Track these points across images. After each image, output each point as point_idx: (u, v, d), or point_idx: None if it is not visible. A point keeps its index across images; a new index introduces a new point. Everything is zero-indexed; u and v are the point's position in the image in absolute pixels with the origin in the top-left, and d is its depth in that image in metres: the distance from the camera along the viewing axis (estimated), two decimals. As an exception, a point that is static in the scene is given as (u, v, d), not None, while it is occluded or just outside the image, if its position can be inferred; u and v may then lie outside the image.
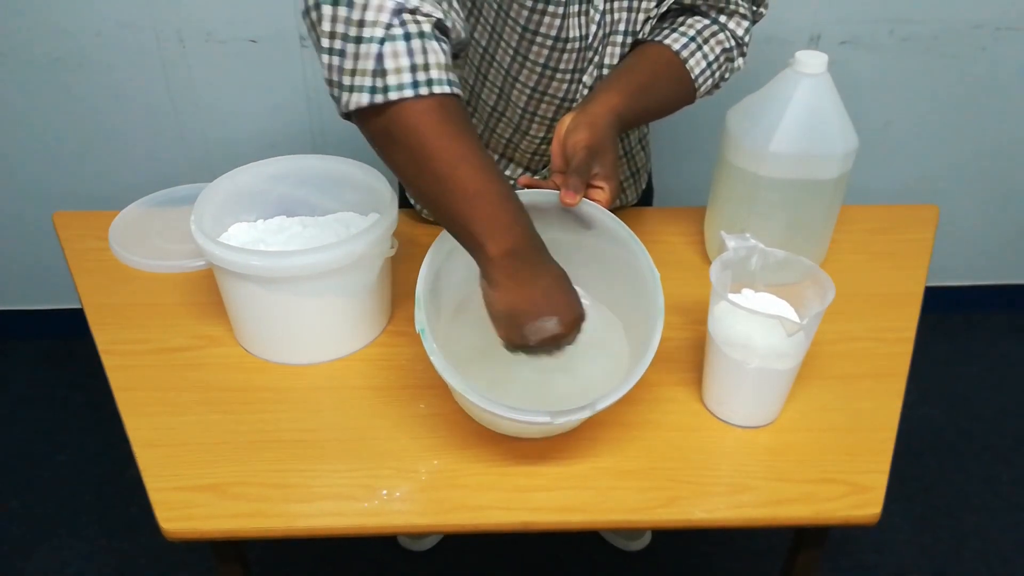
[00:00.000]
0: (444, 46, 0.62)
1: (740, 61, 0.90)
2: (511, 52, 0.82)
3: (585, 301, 0.82)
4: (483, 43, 0.83)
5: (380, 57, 0.59)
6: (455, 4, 0.65)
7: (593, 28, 0.82)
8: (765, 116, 0.85)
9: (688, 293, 0.91)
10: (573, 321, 0.66)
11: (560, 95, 0.86)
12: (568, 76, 0.84)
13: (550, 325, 0.64)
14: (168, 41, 1.49)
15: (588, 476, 0.72)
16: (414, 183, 0.63)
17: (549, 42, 0.80)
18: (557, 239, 0.77)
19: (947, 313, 1.94)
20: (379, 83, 0.59)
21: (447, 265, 0.75)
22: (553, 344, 0.66)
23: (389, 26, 0.59)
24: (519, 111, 0.88)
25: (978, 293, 1.97)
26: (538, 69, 0.83)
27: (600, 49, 0.84)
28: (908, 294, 0.94)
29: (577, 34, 0.81)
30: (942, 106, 1.67)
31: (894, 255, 1.01)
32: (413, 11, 0.60)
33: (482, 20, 0.81)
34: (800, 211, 0.89)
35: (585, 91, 0.86)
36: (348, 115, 0.63)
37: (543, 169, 0.98)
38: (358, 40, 0.59)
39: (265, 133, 1.60)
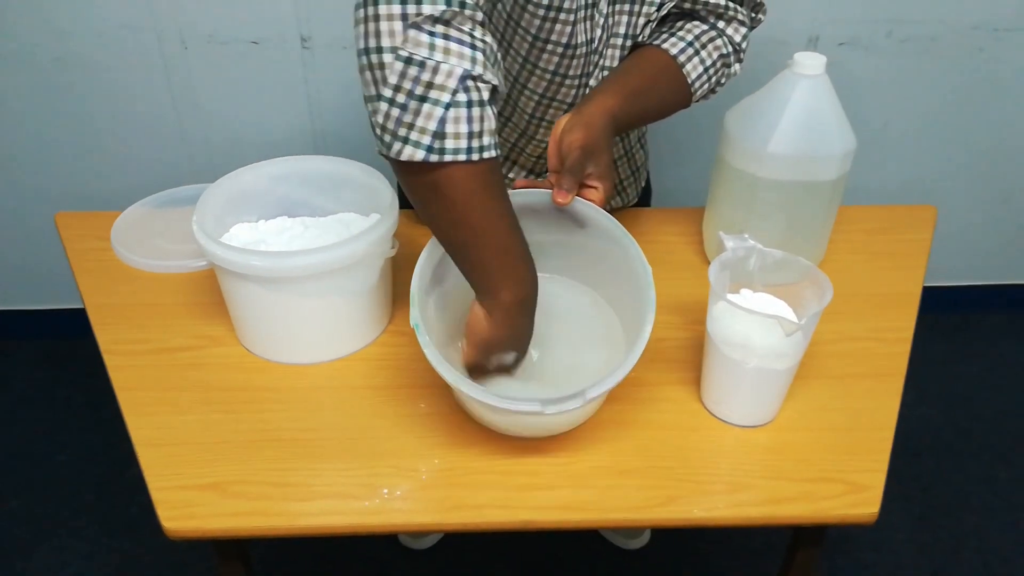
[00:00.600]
0: (495, 110, 0.65)
1: (737, 67, 0.91)
2: (520, 60, 0.83)
3: (584, 299, 0.82)
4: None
5: (443, 121, 0.61)
6: (500, 61, 0.67)
7: (598, 32, 0.82)
8: (763, 117, 0.85)
9: (687, 293, 0.91)
10: (519, 358, 0.75)
11: (568, 100, 0.87)
12: (576, 81, 0.85)
13: (508, 359, 0.73)
14: (169, 42, 1.49)
15: (588, 475, 0.73)
16: (447, 231, 0.68)
17: (560, 49, 0.81)
18: (556, 240, 0.77)
19: (945, 313, 1.95)
20: (436, 144, 0.62)
21: (443, 263, 0.76)
22: (498, 370, 0.74)
23: (455, 92, 0.61)
24: (526, 117, 0.89)
25: (976, 293, 1.97)
26: (547, 76, 0.84)
27: (603, 52, 0.85)
28: (906, 294, 0.95)
29: (584, 39, 0.82)
30: (941, 106, 1.67)
31: (892, 255, 1.01)
32: (476, 78, 0.62)
33: (491, 28, 0.82)
34: (798, 212, 0.89)
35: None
36: (390, 159, 0.65)
37: (547, 173, 0.98)
38: (423, 99, 0.61)
39: (266, 134, 1.60)
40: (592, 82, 0.86)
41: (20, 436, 1.65)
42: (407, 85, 0.61)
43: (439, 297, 0.78)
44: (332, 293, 0.80)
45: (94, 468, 1.58)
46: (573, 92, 0.86)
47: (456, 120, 0.61)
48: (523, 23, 0.79)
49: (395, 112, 0.62)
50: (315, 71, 1.53)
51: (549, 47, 0.81)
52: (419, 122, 0.61)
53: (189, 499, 0.70)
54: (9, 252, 1.76)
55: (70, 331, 1.79)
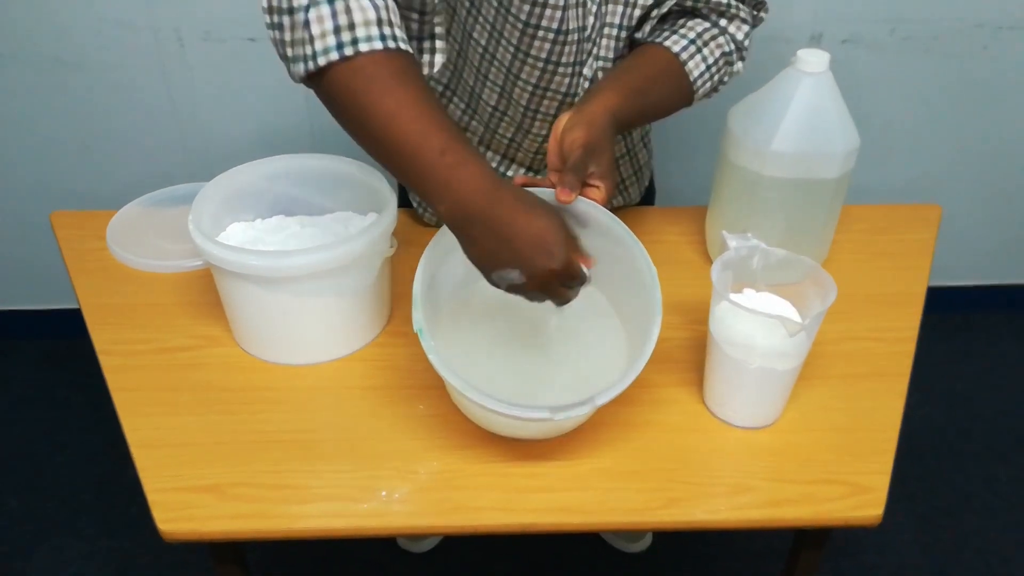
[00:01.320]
0: (378, 1, 0.62)
1: (739, 65, 0.90)
2: (512, 49, 0.82)
3: (582, 298, 0.82)
4: (483, 42, 0.83)
5: (307, 24, 0.60)
6: None
7: (591, 20, 0.82)
8: (767, 115, 0.84)
9: (689, 293, 0.90)
10: (540, 275, 0.63)
11: (563, 90, 0.86)
12: (569, 70, 0.84)
13: (512, 275, 0.63)
14: (166, 40, 1.48)
15: (588, 477, 0.72)
16: (364, 146, 0.64)
17: (551, 35, 0.80)
18: None
19: (948, 313, 1.94)
20: (308, 50, 0.60)
21: (445, 264, 0.75)
22: (525, 294, 0.65)
23: None
24: (521, 109, 0.88)
25: (979, 293, 1.96)
26: (540, 64, 0.83)
27: (596, 40, 0.84)
28: (910, 294, 0.94)
29: (575, 25, 0.81)
30: (944, 105, 1.66)
31: (896, 255, 1.01)
32: None
33: (481, 19, 0.81)
34: (802, 210, 0.89)
35: (586, 84, 0.86)
36: (305, 85, 0.64)
37: (545, 169, 0.97)
38: (291, 11, 0.61)
39: (263, 132, 1.60)
40: (586, 70, 0.85)
41: (20, 436, 1.65)
42: (275, 2, 0.61)
43: (443, 295, 0.77)
44: (330, 293, 0.80)
45: (94, 468, 1.57)
46: (567, 81, 0.85)
47: (319, 19, 0.60)
48: (512, 10, 0.78)
49: (277, 35, 0.62)
50: (314, 69, 1.52)
51: (540, 33, 0.80)
52: (295, 35, 0.61)
53: (186, 501, 0.69)
54: (7, 251, 1.76)
55: (69, 331, 1.77)
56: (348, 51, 0.60)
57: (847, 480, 0.72)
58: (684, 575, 1.42)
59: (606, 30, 0.84)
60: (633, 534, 1.43)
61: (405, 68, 0.62)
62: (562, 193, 0.71)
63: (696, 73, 0.85)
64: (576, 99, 0.87)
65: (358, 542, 1.42)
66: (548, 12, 0.78)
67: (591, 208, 0.74)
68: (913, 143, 1.71)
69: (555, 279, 0.64)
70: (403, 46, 0.62)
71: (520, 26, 0.79)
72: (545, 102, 0.87)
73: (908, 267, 0.98)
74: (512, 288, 0.65)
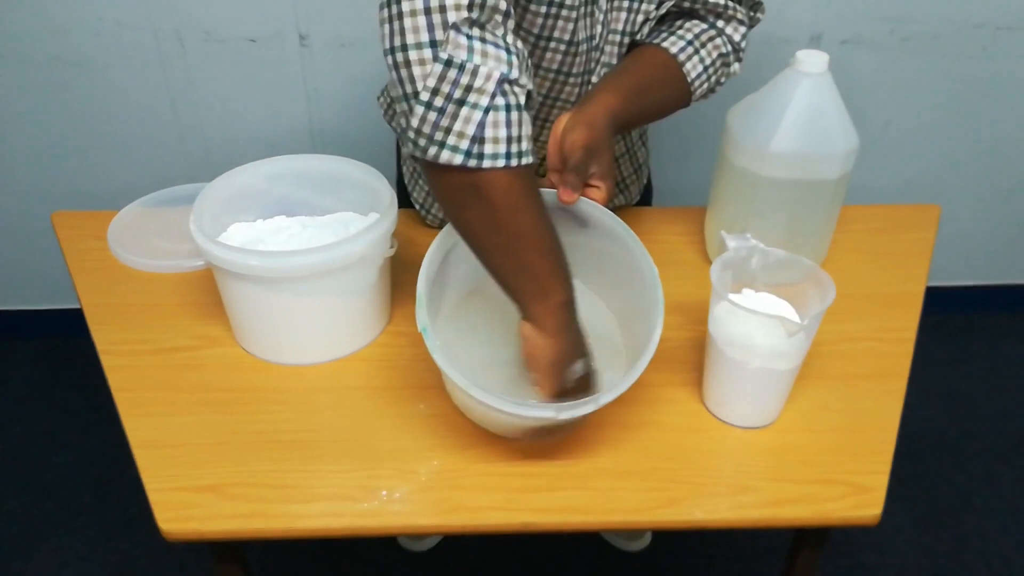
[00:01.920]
0: (530, 115, 0.64)
1: (736, 66, 0.90)
2: None
3: (581, 298, 0.82)
4: None
5: (482, 125, 0.61)
6: (531, 66, 0.67)
7: (599, 28, 0.82)
8: (766, 115, 0.84)
9: (688, 293, 0.90)
10: (591, 362, 0.70)
11: (572, 99, 0.87)
12: (579, 79, 0.85)
13: (579, 367, 0.68)
14: (166, 40, 1.49)
15: (588, 477, 0.72)
16: (485, 236, 0.66)
17: (563, 47, 0.81)
18: None
19: (948, 313, 1.94)
20: (475, 149, 0.61)
21: (447, 264, 0.75)
22: (583, 386, 0.69)
23: (494, 95, 0.60)
24: None
25: (978, 293, 1.96)
26: (551, 76, 0.83)
27: (602, 47, 0.84)
28: (909, 294, 0.94)
29: (585, 36, 0.81)
30: (942, 106, 1.66)
31: (895, 255, 1.01)
32: (513, 82, 0.61)
33: None
34: (801, 211, 0.89)
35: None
36: (425, 161, 0.64)
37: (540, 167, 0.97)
38: (461, 103, 0.61)
39: (264, 132, 1.60)
40: (594, 79, 0.86)
41: (20, 436, 1.65)
42: (445, 88, 0.60)
43: (445, 295, 0.77)
44: (330, 293, 0.80)
45: (93, 468, 1.57)
46: (576, 91, 0.86)
47: (495, 124, 0.61)
48: (524, 24, 0.79)
49: (432, 115, 0.61)
50: (313, 69, 1.52)
51: (552, 45, 0.80)
52: (457, 126, 0.61)
53: (187, 501, 0.69)
54: (7, 252, 1.76)
55: (69, 331, 1.79)
56: (513, 162, 0.62)
57: (846, 480, 0.72)
58: (684, 574, 1.42)
59: (611, 36, 0.84)
60: (633, 533, 1.43)
61: (537, 180, 0.67)
62: (564, 194, 0.71)
63: (694, 74, 0.86)
64: None
65: (358, 541, 1.42)
66: (560, 24, 0.79)
67: (593, 209, 0.74)
68: (912, 143, 1.71)
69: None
70: (534, 158, 0.65)
71: (532, 39, 0.80)
72: (554, 111, 0.88)
73: (907, 267, 0.99)
74: (579, 380, 0.68)
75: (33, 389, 1.76)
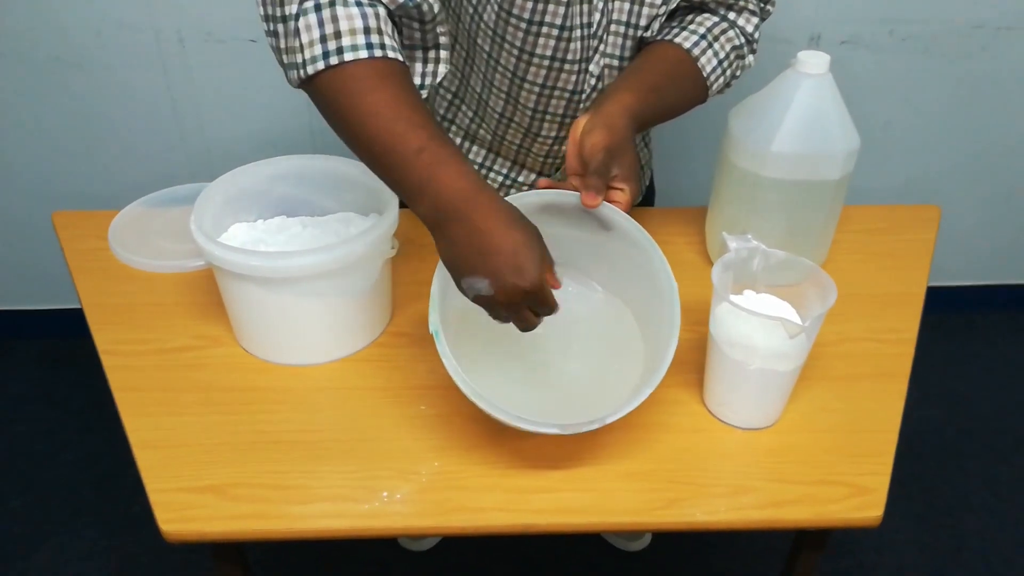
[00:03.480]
0: (367, 10, 0.62)
1: (751, 58, 0.90)
2: (516, 52, 0.82)
3: (605, 304, 0.81)
4: (487, 48, 0.83)
5: (297, 32, 0.61)
6: None
7: (597, 16, 0.81)
8: (767, 116, 0.84)
9: (689, 294, 0.90)
10: (508, 290, 0.61)
11: (569, 88, 0.86)
12: (575, 67, 0.84)
13: (480, 286, 0.61)
14: (168, 41, 1.49)
15: (589, 478, 0.72)
16: (353, 149, 0.65)
17: (555, 31, 0.80)
18: (578, 238, 0.76)
19: (948, 314, 1.94)
20: (299, 58, 0.62)
21: None
22: (490, 309, 0.64)
23: (302, 1, 0.61)
24: (528, 112, 0.88)
25: (978, 293, 1.97)
26: (546, 63, 0.83)
27: (603, 37, 0.84)
28: (909, 295, 0.94)
29: (580, 22, 0.81)
30: (942, 106, 1.66)
31: (895, 255, 1.01)
32: None
33: (483, 25, 0.81)
34: (802, 212, 0.89)
35: (592, 80, 0.86)
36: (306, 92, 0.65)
37: (556, 172, 0.97)
38: (284, 19, 0.62)
39: (265, 133, 1.60)
40: (592, 67, 0.85)
41: (20, 436, 1.65)
42: (270, 10, 0.62)
43: (458, 298, 0.77)
44: (331, 293, 0.80)
45: (94, 468, 1.57)
46: (573, 78, 0.85)
47: (307, 28, 0.61)
48: (515, 11, 0.78)
49: (272, 42, 0.63)
50: (315, 70, 1.52)
51: (544, 30, 0.80)
52: (288, 42, 0.62)
53: (187, 501, 0.69)
54: (8, 252, 1.76)
55: (69, 331, 1.78)
56: (333, 60, 0.61)
57: (847, 481, 0.72)
58: (684, 574, 1.42)
59: (613, 27, 0.84)
60: (633, 533, 1.43)
61: (389, 72, 0.63)
62: (587, 198, 0.70)
63: (709, 68, 0.85)
64: (583, 97, 0.87)
65: (359, 541, 1.41)
66: (551, 7, 0.78)
67: (615, 215, 0.73)
68: (912, 144, 1.71)
69: (523, 299, 0.62)
70: (391, 54, 0.63)
71: (524, 25, 0.79)
72: (553, 102, 0.87)
73: (908, 268, 0.99)
74: (479, 299, 0.63)
75: (33, 389, 1.76)
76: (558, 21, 0.79)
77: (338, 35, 0.61)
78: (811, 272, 0.74)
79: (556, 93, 0.86)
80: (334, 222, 0.90)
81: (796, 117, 0.83)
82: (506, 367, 0.78)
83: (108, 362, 0.83)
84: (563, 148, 0.92)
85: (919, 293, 0.94)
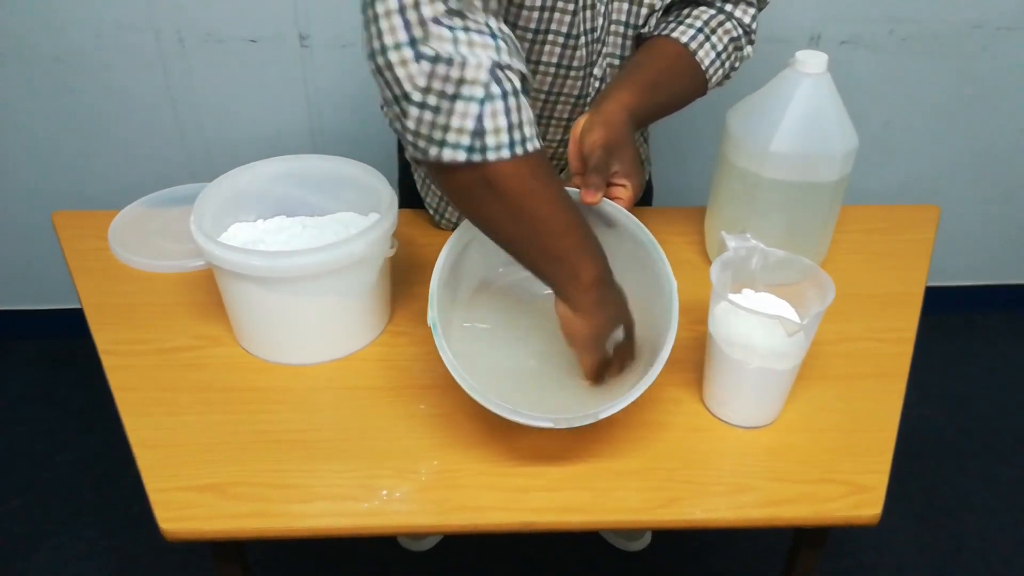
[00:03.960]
0: (528, 99, 0.63)
1: (749, 49, 0.90)
2: None
3: None
4: None
5: (480, 118, 0.58)
6: (522, 51, 0.65)
7: (600, 20, 0.81)
8: (766, 116, 0.85)
9: (688, 293, 0.90)
10: (632, 326, 0.71)
11: (575, 93, 0.86)
12: (580, 72, 0.84)
13: (619, 334, 0.69)
14: (168, 41, 1.49)
15: (588, 476, 0.72)
16: (504, 227, 0.65)
17: (561, 39, 0.80)
18: None
19: (947, 313, 1.94)
20: (477, 143, 0.59)
21: (462, 262, 0.75)
22: (624, 352, 0.71)
23: (487, 84, 0.58)
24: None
25: (978, 293, 1.97)
26: (551, 70, 0.83)
27: (605, 39, 0.84)
28: (908, 294, 0.94)
29: (585, 28, 0.81)
30: (942, 106, 1.67)
31: (894, 255, 1.01)
32: (505, 67, 0.59)
33: None
34: (800, 211, 0.89)
35: (596, 83, 0.86)
36: (428, 163, 0.63)
37: (561, 174, 0.97)
38: (455, 97, 0.58)
39: (265, 133, 1.60)
40: (596, 71, 0.85)
41: (20, 436, 1.65)
42: (437, 85, 0.58)
43: (460, 292, 0.77)
44: (331, 293, 0.80)
45: (94, 468, 1.57)
46: (579, 84, 0.85)
47: (493, 115, 0.59)
48: (521, 21, 0.78)
49: (427, 115, 0.59)
50: (314, 69, 1.53)
51: (550, 38, 0.80)
52: (455, 122, 0.58)
53: (187, 500, 0.69)
54: (8, 252, 1.76)
55: (69, 331, 1.78)
56: (519, 150, 0.60)
57: (846, 479, 0.72)
58: (683, 574, 1.42)
59: (613, 27, 0.84)
60: (632, 532, 1.43)
61: (548, 162, 0.65)
62: (587, 195, 0.70)
63: (707, 61, 0.85)
64: (587, 100, 0.87)
65: (359, 541, 1.42)
66: (557, 16, 0.78)
67: (617, 212, 0.73)
68: (912, 144, 1.71)
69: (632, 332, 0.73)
70: (540, 142, 0.64)
71: (530, 36, 0.79)
72: (558, 107, 0.87)
73: (907, 267, 0.99)
74: (615, 348, 0.70)
75: (33, 389, 1.76)
76: (564, 29, 0.79)
77: (521, 126, 0.60)
78: (810, 271, 0.74)
79: (562, 99, 0.86)
80: (333, 222, 0.91)
81: (795, 117, 0.83)
82: (506, 364, 0.78)
83: (108, 362, 0.83)
84: (568, 150, 0.92)
85: (918, 293, 0.95)
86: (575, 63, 0.83)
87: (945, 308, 1.92)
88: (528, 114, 0.61)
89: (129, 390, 0.80)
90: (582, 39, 0.81)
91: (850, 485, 0.71)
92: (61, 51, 1.49)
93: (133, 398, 0.79)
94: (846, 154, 0.85)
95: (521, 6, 0.77)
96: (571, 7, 0.78)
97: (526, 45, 0.80)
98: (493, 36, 0.59)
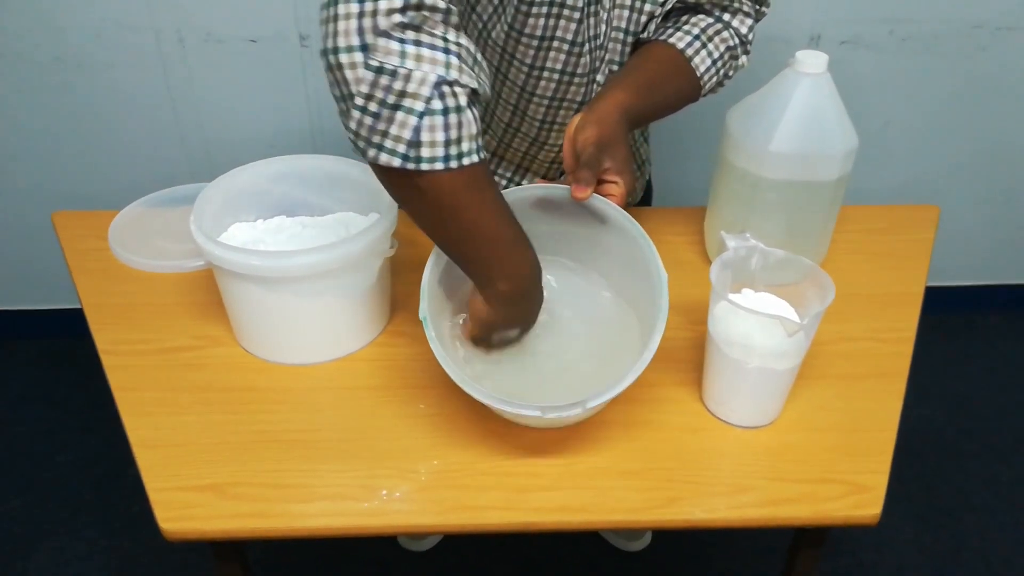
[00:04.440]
0: (476, 113, 0.63)
1: (744, 59, 0.90)
2: (525, 68, 0.82)
3: (606, 293, 0.82)
4: (495, 63, 0.83)
5: (417, 130, 0.60)
6: (482, 60, 0.65)
7: (603, 28, 0.82)
8: (765, 116, 0.85)
9: (688, 293, 0.90)
10: (528, 329, 0.77)
11: (578, 99, 0.87)
12: (584, 79, 0.85)
13: (512, 335, 0.75)
14: (168, 41, 1.49)
15: (588, 476, 0.72)
16: (433, 230, 0.68)
17: (566, 47, 0.81)
18: (575, 233, 0.77)
19: (947, 313, 1.94)
20: (412, 153, 0.60)
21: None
22: (505, 343, 0.76)
23: (429, 99, 0.59)
24: (536, 124, 0.89)
25: (978, 293, 1.97)
26: (556, 77, 0.84)
27: (606, 45, 0.84)
28: (908, 294, 0.94)
29: (589, 35, 0.81)
30: (942, 106, 1.67)
31: (894, 255, 1.01)
32: (452, 83, 0.60)
33: (491, 42, 0.81)
34: (800, 211, 0.89)
35: (598, 89, 0.86)
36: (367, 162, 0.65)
37: (560, 177, 0.98)
38: (396, 108, 0.59)
39: (265, 133, 1.60)
40: (599, 77, 0.86)
41: (20, 436, 1.65)
42: (379, 94, 0.59)
43: (455, 290, 0.78)
44: (331, 293, 0.80)
45: (94, 468, 1.57)
46: (582, 90, 0.86)
47: (431, 129, 0.60)
48: (527, 29, 0.79)
49: (368, 120, 0.60)
50: (314, 70, 1.53)
51: (555, 44, 0.80)
52: (393, 130, 0.60)
53: (187, 500, 0.69)
54: (8, 252, 1.76)
55: (69, 331, 1.78)
56: (453, 164, 0.62)
57: (846, 479, 0.72)
58: (683, 574, 1.42)
59: (613, 34, 0.84)
60: (633, 533, 1.43)
61: (488, 174, 0.67)
62: (576, 190, 0.71)
63: (702, 68, 0.86)
64: None
65: (359, 541, 1.42)
66: (563, 23, 0.79)
67: (607, 207, 0.74)
68: (912, 144, 1.71)
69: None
70: (486, 156, 0.66)
71: (535, 43, 0.80)
72: (561, 113, 0.88)
73: (907, 267, 0.99)
74: (503, 342, 0.76)
75: (33, 389, 1.76)
76: (569, 36, 0.80)
77: (459, 141, 0.61)
78: (810, 271, 0.74)
79: (564, 104, 0.87)
80: (334, 222, 0.91)
81: (794, 117, 0.83)
82: (504, 363, 0.78)
83: (108, 362, 0.83)
84: (563, 149, 0.92)
85: (918, 293, 0.95)
86: (579, 70, 0.84)
87: (945, 308, 1.92)
88: (471, 129, 0.62)
89: (129, 390, 0.80)
90: (586, 46, 0.82)
91: (850, 485, 0.71)
92: (61, 51, 1.49)
93: (133, 398, 0.79)
94: (846, 154, 0.85)
95: (528, 13, 0.78)
96: (577, 15, 0.78)
97: (532, 52, 0.81)
98: (446, 51, 0.60)
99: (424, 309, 0.69)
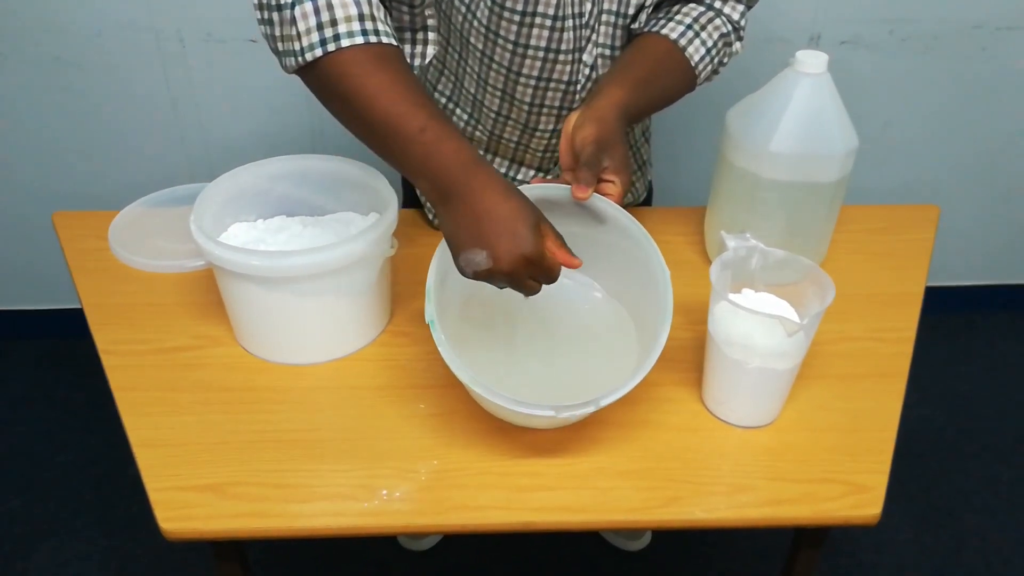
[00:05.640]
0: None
1: (738, 45, 0.91)
2: (510, 46, 0.82)
3: (597, 294, 0.82)
4: (480, 46, 0.83)
5: (293, 20, 0.63)
6: None
7: (588, 6, 0.82)
8: (765, 116, 0.85)
9: (688, 293, 0.90)
10: (506, 258, 0.63)
11: (564, 79, 0.86)
12: (569, 57, 0.85)
13: (479, 259, 0.64)
14: (168, 41, 1.49)
15: (588, 476, 0.72)
16: (353, 131, 0.67)
17: (548, 22, 0.81)
18: (572, 232, 0.77)
19: (947, 313, 1.94)
20: (296, 46, 0.64)
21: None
22: (490, 279, 0.66)
23: None
24: (525, 107, 0.88)
25: (978, 293, 1.97)
26: (540, 54, 0.83)
27: (595, 27, 0.85)
28: (908, 294, 0.94)
29: (571, 11, 0.81)
30: (942, 106, 1.67)
31: (894, 255, 1.01)
32: None
33: (476, 23, 0.81)
34: (800, 211, 0.89)
35: (586, 71, 0.86)
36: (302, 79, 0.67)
37: (555, 167, 0.98)
38: (279, 7, 0.64)
39: (265, 132, 1.60)
40: (585, 57, 0.86)
41: (20, 436, 1.65)
42: (264, 0, 0.64)
43: (456, 290, 0.78)
44: (331, 293, 0.80)
45: (94, 468, 1.57)
46: (568, 69, 0.86)
47: (304, 16, 0.63)
48: (508, 4, 0.79)
49: (267, 30, 0.65)
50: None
51: (538, 20, 0.80)
52: (283, 31, 0.63)
53: (187, 500, 0.70)
54: (7, 252, 1.76)
55: (69, 331, 1.78)
56: (331, 46, 0.63)
57: (845, 479, 0.72)
58: (683, 573, 1.42)
59: (604, 17, 0.85)
60: (632, 532, 1.43)
61: (385, 56, 0.65)
62: (577, 190, 0.71)
63: (697, 58, 0.86)
64: (578, 88, 0.87)
65: (359, 540, 1.42)
66: None
67: (608, 207, 0.74)
68: (912, 144, 1.72)
69: (522, 266, 0.64)
70: (385, 40, 0.65)
71: (517, 18, 0.80)
72: (549, 94, 0.87)
73: (907, 267, 0.99)
74: (479, 274, 0.65)
75: (33, 389, 1.77)
76: (551, 11, 0.80)
77: (334, 22, 0.63)
78: (810, 271, 0.74)
79: (552, 85, 0.87)
80: (334, 222, 0.91)
81: (794, 117, 0.83)
82: (504, 362, 0.78)
83: (108, 362, 0.83)
84: (559, 146, 0.93)
85: (918, 292, 0.95)
86: (563, 47, 0.83)
87: (945, 308, 1.92)
88: (347, 11, 0.63)
89: (129, 390, 0.80)
90: (569, 22, 0.82)
91: (850, 485, 0.72)
92: (61, 51, 1.49)
93: (133, 398, 0.79)
94: (846, 154, 0.85)
95: None
96: None
97: (514, 28, 0.81)
98: None
99: (431, 312, 0.68)
